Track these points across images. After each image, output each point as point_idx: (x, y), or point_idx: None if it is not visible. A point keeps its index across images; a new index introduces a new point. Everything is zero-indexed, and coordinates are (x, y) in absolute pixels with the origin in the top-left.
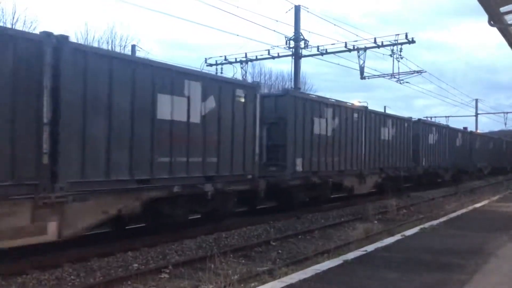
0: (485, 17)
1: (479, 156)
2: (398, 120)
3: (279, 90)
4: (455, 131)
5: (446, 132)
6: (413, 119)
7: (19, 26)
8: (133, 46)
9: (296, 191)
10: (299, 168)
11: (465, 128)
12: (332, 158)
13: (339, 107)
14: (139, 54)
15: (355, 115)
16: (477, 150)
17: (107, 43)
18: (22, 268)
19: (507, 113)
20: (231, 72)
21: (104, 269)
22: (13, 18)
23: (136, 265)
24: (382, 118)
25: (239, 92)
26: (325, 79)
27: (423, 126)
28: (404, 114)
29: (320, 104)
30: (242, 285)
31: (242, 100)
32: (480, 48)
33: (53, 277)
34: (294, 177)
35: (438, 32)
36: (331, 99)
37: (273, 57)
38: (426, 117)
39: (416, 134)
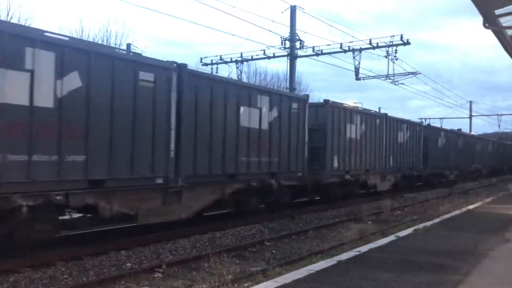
0: (481, 17)
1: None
2: (462, 136)
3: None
4: (497, 143)
5: (492, 144)
6: (474, 136)
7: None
8: (128, 45)
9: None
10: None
11: (459, 130)
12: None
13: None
14: None
15: (443, 133)
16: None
17: (102, 40)
18: (14, 266)
19: (501, 115)
20: (227, 71)
21: (97, 268)
22: (8, 15)
23: (129, 264)
24: (474, 139)
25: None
26: (320, 79)
27: (479, 140)
28: (400, 115)
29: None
30: (236, 285)
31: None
32: (477, 49)
33: (46, 275)
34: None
35: (435, 32)
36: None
37: (269, 57)
38: (420, 118)
39: (473, 146)
